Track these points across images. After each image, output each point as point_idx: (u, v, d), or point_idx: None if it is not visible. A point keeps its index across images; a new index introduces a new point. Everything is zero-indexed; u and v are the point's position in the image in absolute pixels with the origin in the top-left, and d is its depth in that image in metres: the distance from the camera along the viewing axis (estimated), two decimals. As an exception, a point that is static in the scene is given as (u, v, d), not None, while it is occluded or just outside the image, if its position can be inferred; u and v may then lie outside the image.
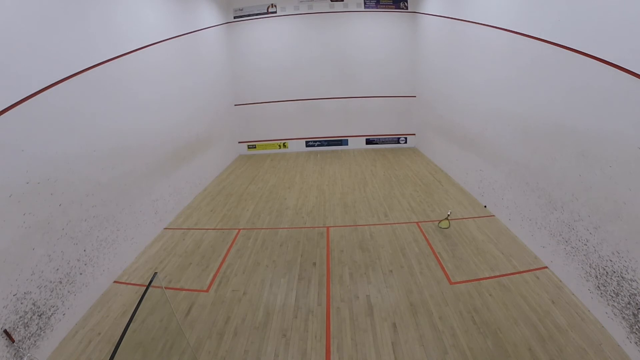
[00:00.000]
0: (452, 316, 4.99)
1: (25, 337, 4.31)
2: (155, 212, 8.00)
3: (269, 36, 14.95)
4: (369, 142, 15.98)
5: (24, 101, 4.52)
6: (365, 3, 14.61)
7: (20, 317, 4.28)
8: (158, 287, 4.27)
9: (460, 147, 10.31)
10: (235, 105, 15.50)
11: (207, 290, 5.89)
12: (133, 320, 3.33)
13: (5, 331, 4.06)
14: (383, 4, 14.63)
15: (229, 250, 7.21)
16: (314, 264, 6.54)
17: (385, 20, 14.78)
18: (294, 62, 15.15)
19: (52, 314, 4.79)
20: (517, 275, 5.87)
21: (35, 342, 4.44)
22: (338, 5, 14.67)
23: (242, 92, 15.49)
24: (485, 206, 8.62)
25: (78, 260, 5.41)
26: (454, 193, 9.78)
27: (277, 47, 15.06)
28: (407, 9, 14.63)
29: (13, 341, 4.11)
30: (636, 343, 4.10)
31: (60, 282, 5.01)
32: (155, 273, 3.98)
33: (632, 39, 4.13)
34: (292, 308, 5.36)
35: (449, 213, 7.90)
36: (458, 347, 4.44)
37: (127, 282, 6.23)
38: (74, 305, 5.22)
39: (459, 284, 5.71)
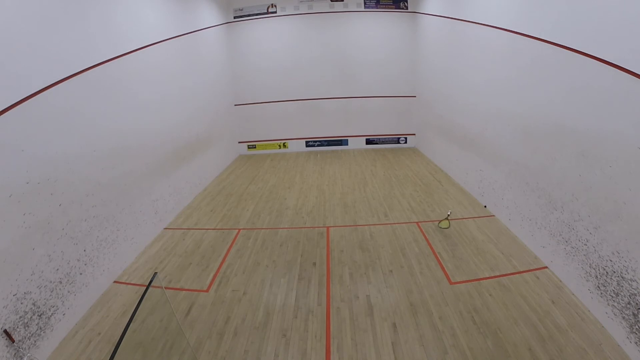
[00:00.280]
0: (452, 316, 4.99)
1: (25, 337, 4.31)
2: (155, 212, 8.00)
3: (269, 36, 14.94)
4: (369, 142, 15.97)
5: (24, 101, 4.52)
6: (365, 3, 14.61)
7: (20, 317, 4.28)
8: (158, 287, 4.27)
9: (460, 147, 10.31)
10: (235, 105, 15.50)
11: (207, 290, 5.89)
12: (133, 320, 3.33)
13: (5, 331, 4.06)
14: (383, 4, 14.63)
15: (229, 250, 7.21)
16: (314, 264, 6.54)
17: (385, 20, 14.78)
18: (294, 62, 15.14)
19: (52, 314, 4.79)
20: (517, 275, 5.87)
21: (35, 342, 4.44)
22: (338, 5, 14.66)
23: (242, 92, 15.48)
24: (485, 206, 8.62)
25: (78, 260, 5.42)
26: (454, 193, 9.78)
27: (277, 47, 15.06)
28: (407, 9, 14.62)
29: (13, 341, 4.11)
30: (636, 343, 4.10)
31: (60, 282, 5.01)
32: (155, 273, 3.98)
33: (632, 39, 4.13)
34: (292, 308, 5.36)
35: (449, 213, 7.90)
36: (458, 347, 4.44)
37: (127, 282, 6.23)
38: (74, 305, 5.22)
39: (459, 284, 5.71)
